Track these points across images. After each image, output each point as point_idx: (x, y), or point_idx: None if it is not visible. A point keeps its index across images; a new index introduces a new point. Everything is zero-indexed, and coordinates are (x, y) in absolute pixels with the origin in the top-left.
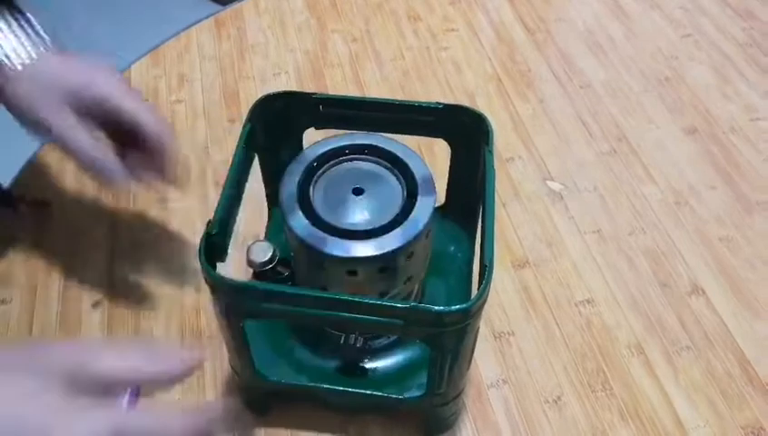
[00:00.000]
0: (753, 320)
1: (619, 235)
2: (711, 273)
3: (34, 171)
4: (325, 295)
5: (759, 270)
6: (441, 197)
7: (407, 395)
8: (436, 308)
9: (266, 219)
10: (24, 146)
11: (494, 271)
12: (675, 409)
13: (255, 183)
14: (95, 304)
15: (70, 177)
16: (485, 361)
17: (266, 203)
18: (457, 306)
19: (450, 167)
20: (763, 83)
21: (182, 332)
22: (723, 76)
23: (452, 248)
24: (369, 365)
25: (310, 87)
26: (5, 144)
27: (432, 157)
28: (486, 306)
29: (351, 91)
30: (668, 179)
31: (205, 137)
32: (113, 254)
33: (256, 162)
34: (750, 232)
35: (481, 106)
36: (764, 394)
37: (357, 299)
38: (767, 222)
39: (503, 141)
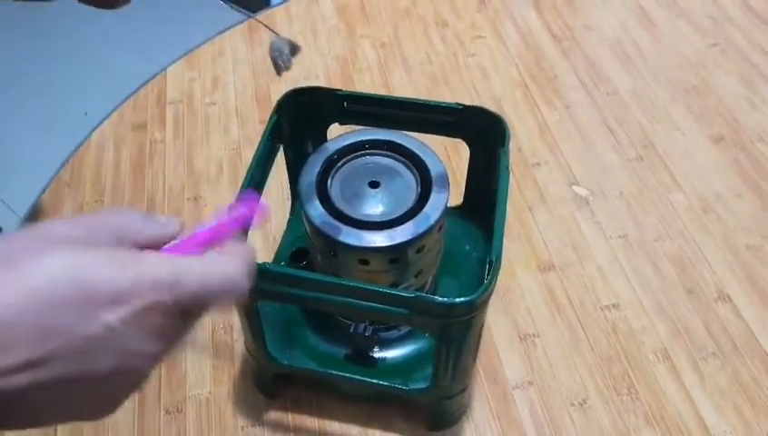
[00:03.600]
0: None
1: (645, 241)
2: (737, 281)
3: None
4: (332, 280)
5: None
6: (460, 197)
7: (412, 386)
8: (440, 299)
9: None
10: (28, 187)
11: (520, 274)
12: (701, 415)
13: (280, 178)
14: None
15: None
16: (510, 363)
17: (290, 198)
18: (462, 298)
19: (469, 167)
20: None
21: (213, 326)
22: (750, 85)
23: (467, 247)
24: (377, 355)
25: None
26: (8, 186)
27: (458, 158)
28: (511, 308)
29: None
30: (695, 187)
31: (238, 138)
32: None
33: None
34: None
35: (508, 112)
36: None
37: (363, 285)
38: None
39: (529, 146)
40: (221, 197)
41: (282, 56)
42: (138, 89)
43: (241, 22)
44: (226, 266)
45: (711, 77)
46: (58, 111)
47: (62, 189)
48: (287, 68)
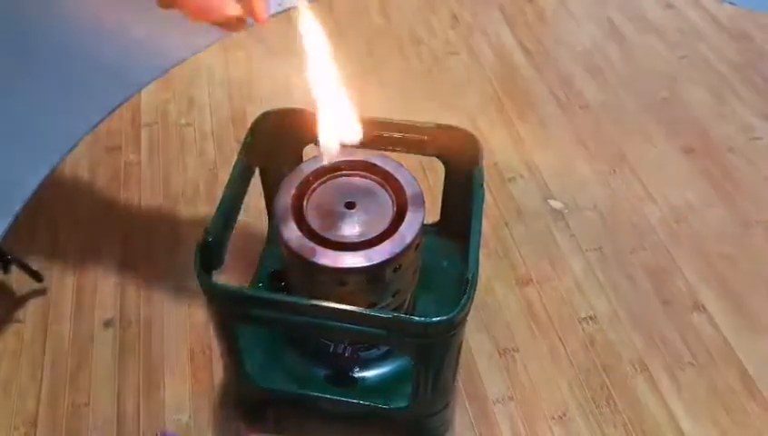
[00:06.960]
0: (755, 336)
1: (620, 253)
2: (711, 290)
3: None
4: (309, 302)
5: (759, 286)
6: (437, 214)
7: (393, 405)
8: (417, 318)
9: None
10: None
11: (498, 289)
12: (679, 424)
13: (257, 199)
14: (107, 323)
15: (78, 201)
16: (490, 378)
17: (267, 219)
18: (438, 318)
19: (444, 185)
20: (760, 103)
21: (191, 349)
22: (719, 97)
23: (445, 263)
24: (358, 375)
25: None
26: None
27: (435, 175)
28: (490, 323)
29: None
30: (667, 198)
31: (214, 158)
32: (124, 271)
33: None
34: (749, 250)
35: (483, 127)
36: (767, 409)
37: (340, 307)
38: (766, 239)
39: (504, 161)
40: (197, 219)
41: None
42: (112, 111)
43: (216, 41)
44: None
45: (680, 89)
46: (30, 131)
47: (36, 213)
48: None
